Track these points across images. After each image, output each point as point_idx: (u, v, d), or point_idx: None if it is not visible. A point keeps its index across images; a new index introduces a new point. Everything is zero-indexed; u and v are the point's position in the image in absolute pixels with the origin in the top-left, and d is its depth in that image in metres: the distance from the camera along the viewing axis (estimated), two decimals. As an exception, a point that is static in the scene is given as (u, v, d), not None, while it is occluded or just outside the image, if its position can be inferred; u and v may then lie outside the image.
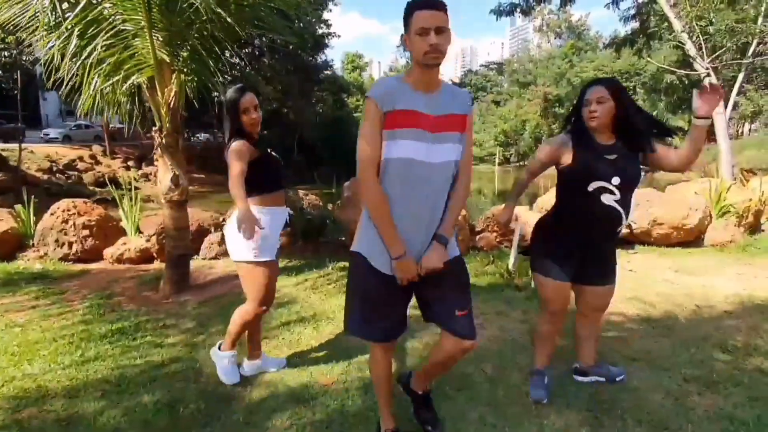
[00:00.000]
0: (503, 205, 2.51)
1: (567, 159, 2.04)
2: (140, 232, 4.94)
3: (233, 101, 2.17)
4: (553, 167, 2.17)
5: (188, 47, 3.24)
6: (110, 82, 3.10)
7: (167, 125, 3.44)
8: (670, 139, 2.13)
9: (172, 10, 3.10)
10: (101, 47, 2.87)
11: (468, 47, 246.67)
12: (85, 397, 2.25)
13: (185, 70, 3.26)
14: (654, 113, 34.41)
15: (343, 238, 5.04)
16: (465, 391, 2.33)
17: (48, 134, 24.64)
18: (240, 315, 2.31)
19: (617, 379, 2.37)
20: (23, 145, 16.94)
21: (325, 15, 28.49)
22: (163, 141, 3.47)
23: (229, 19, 3.00)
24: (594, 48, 48.81)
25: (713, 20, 8.86)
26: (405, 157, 1.55)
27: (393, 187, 1.58)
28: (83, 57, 2.86)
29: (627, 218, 2.02)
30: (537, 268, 2.21)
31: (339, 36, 29.74)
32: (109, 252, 4.68)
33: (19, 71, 18.77)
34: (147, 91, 3.31)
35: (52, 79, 3.16)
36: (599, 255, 2.16)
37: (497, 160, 48.12)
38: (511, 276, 4.14)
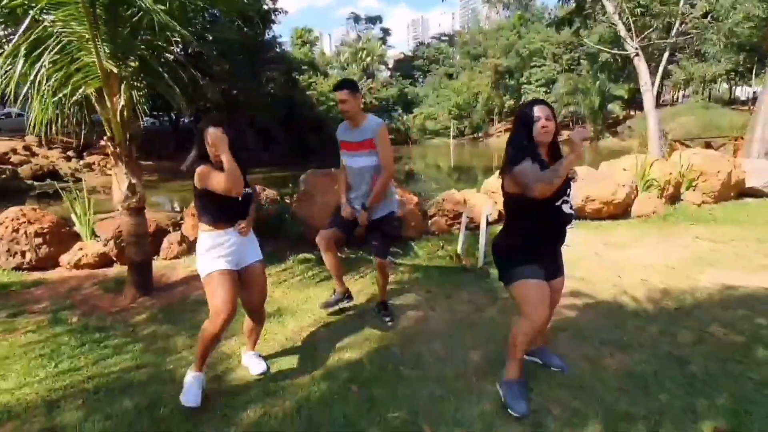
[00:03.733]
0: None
1: None
2: (96, 236, 4.92)
3: (200, 131, 2.34)
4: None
5: (135, 58, 3.27)
6: (58, 96, 3.10)
7: (119, 135, 3.48)
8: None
9: (115, 20, 3.11)
10: (48, 64, 2.87)
11: (419, 18, 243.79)
12: (67, 407, 2.41)
13: (134, 81, 3.29)
14: (596, 83, 35.90)
15: (302, 229, 5.22)
16: (417, 370, 2.66)
17: (-26, 126, 22.66)
18: (202, 331, 2.38)
19: (555, 369, 2.59)
20: (-53, 140, 15.63)
21: (270, -11, 27.47)
22: (116, 150, 3.51)
23: (174, 23, 3.04)
24: (540, 19, 49.79)
25: (641, 2, 9.47)
26: (345, 164, 3.18)
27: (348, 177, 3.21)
28: (31, 76, 2.85)
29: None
30: (517, 276, 2.25)
31: (286, 12, 28.85)
32: (65, 259, 4.66)
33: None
34: (97, 103, 3.32)
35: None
36: (556, 253, 2.41)
37: (452, 134, 48.89)
38: (460, 259, 4.51)
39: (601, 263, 4.46)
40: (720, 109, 29.96)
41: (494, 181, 6.31)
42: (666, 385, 2.45)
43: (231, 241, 2.44)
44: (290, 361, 2.81)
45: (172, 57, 3.69)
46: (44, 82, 2.96)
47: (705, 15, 10.24)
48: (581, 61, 40.16)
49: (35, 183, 18.10)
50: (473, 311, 3.46)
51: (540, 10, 52.65)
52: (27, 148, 20.66)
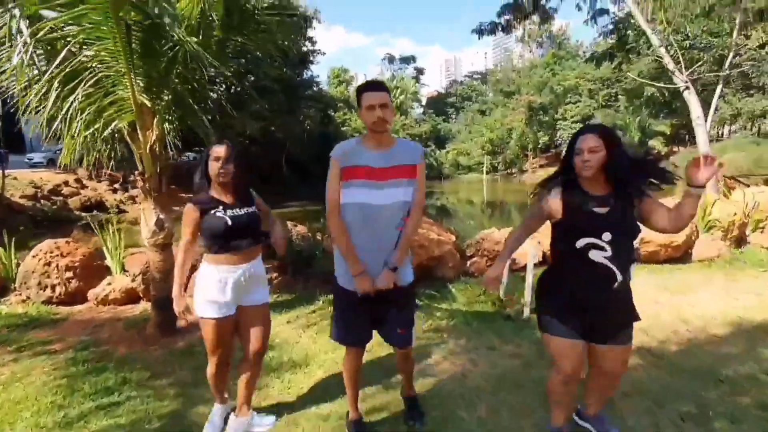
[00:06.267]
0: (495, 262, 2.17)
1: (557, 212, 1.92)
2: (125, 271, 4.85)
3: (206, 151, 2.22)
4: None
5: (169, 92, 3.21)
6: (91, 130, 3.06)
7: (150, 169, 3.39)
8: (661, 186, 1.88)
9: (151, 55, 3.08)
10: (81, 97, 2.83)
11: (452, 58, 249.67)
12: (69, 467, 2.18)
13: (167, 115, 3.23)
14: (637, 119, 35.11)
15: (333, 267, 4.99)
16: (460, 441, 2.30)
17: (32, 159, 24.23)
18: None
19: None
20: (6, 172, 16.62)
21: (310, 32, 28.74)
22: (146, 185, 3.42)
23: (210, 58, 2.97)
24: (574, 56, 49.79)
25: (689, 34, 9.11)
26: (358, 201, 2.02)
27: (353, 223, 2.05)
28: (64, 109, 2.82)
29: (623, 275, 1.83)
30: (543, 327, 2.04)
31: (324, 53, 30.02)
32: (93, 293, 4.58)
33: None
34: (128, 136, 3.27)
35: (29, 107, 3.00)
36: (603, 313, 1.93)
37: (485, 169, 48.63)
38: (503, 304, 4.12)
39: (662, 312, 3.97)
40: (772, 145, 28.42)
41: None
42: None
43: (234, 277, 2.24)
44: (315, 416, 2.50)
45: (213, 94, 3.67)
46: (77, 115, 2.92)
47: (762, 46, 9.72)
48: (619, 96, 39.52)
49: (83, 213, 18.89)
50: (520, 367, 3.06)
51: (574, 48, 52.72)
52: (78, 180, 21.80)
